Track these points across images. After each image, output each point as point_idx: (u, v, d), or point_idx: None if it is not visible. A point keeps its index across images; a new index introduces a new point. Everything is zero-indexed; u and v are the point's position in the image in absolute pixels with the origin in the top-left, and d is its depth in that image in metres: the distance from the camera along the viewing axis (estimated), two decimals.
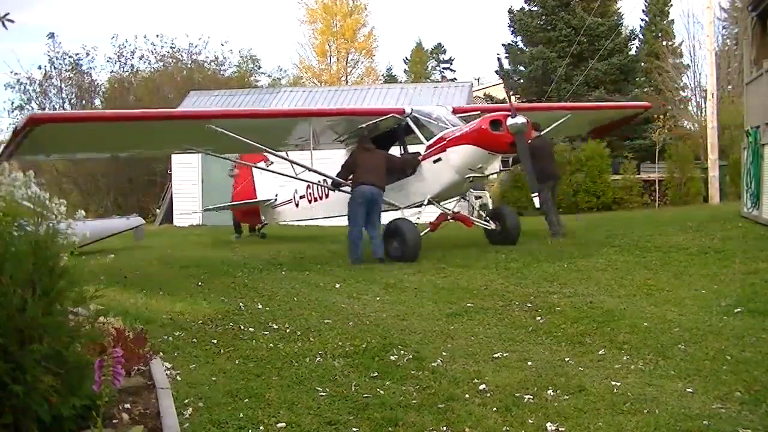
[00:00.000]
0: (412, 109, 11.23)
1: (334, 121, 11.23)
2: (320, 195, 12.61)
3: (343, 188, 11.00)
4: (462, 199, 11.74)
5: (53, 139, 9.46)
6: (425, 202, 10.75)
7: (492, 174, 10.75)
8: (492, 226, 11.19)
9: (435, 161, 10.53)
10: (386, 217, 10.66)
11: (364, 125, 11.14)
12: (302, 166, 10.94)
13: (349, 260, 10.13)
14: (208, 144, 10.53)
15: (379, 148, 10.87)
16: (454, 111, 11.70)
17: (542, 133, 11.98)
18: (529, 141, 10.81)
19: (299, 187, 13.05)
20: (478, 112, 11.59)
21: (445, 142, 10.42)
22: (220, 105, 21.85)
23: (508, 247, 10.93)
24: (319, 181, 11.93)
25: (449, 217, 11.03)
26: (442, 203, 11.10)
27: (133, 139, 10.23)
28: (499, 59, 29.62)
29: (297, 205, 13.65)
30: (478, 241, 12.07)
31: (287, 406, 4.02)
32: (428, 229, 11.01)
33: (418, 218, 10.61)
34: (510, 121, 9.83)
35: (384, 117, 11.00)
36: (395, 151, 11.53)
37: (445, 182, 10.56)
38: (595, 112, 14.88)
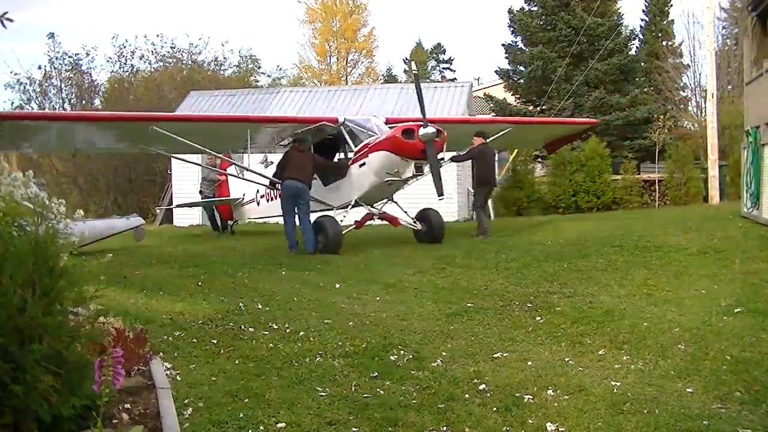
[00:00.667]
0: (345, 119, 12.31)
1: (270, 126, 12.35)
2: (276, 194, 13.43)
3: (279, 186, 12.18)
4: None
5: (19, 134, 11.17)
6: (352, 203, 11.84)
7: (409, 178, 11.42)
8: (418, 226, 12.21)
9: (360, 165, 11.61)
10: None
11: (300, 131, 12.11)
12: (240, 166, 12.47)
13: (288, 250, 11.37)
14: (158, 144, 11.83)
15: (324, 152, 12.31)
16: (387, 121, 12.41)
17: (488, 141, 13.11)
18: (477, 148, 12.79)
19: (261, 187, 13.99)
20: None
21: (367, 148, 11.48)
22: (221, 105, 21.84)
23: (508, 247, 10.94)
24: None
25: (375, 217, 12.14)
26: (375, 204, 12.27)
27: (93, 138, 12.23)
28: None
29: (258, 204, 14.84)
30: (478, 241, 12.08)
31: (287, 406, 4.02)
32: (353, 226, 11.96)
33: (344, 216, 11.73)
34: (422, 130, 10.77)
35: (316, 125, 12.10)
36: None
37: (368, 184, 11.59)
38: (548, 127, 16.25)
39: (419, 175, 11.41)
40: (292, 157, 11.76)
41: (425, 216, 12.30)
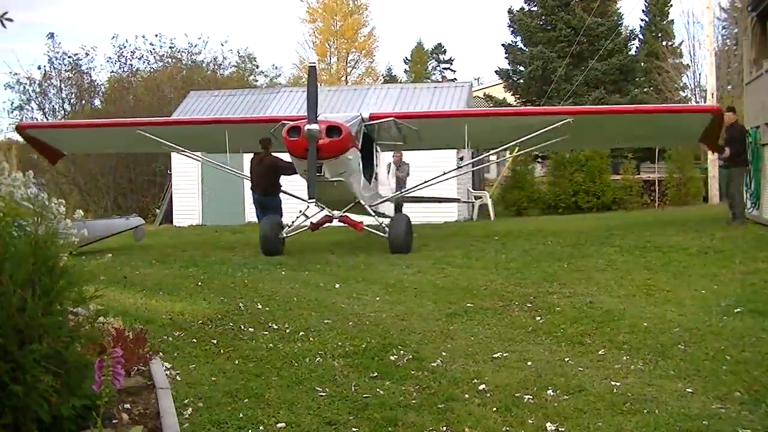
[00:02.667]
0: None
1: (243, 127, 12.36)
2: None
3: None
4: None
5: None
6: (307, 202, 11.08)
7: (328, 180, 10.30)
8: (385, 234, 11.08)
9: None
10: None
11: (272, 131, 11.77)
12: (217, 165, 12.91)
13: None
14: (140, 146, 12.98)
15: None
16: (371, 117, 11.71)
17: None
18: (736, 126, 12.08)
19: None
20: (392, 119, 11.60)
21: None
22: (220, 105, 21.81)
23: (508, 247, 10.94)
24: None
25: (334, 219, 11.38)
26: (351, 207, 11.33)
27: (96, 142, 14.09)
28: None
29: None
30: (479, 241, 12.08)
31: (287, 406, 4.02)
32: (307, 227, 11.45)
33: (297, 217, 11.40)
34: (306, 126, 9.90)
35: (278, 125, 11.38)
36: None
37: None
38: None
39: (319, 175, 10.15)
40: (252, 165, 11.99)
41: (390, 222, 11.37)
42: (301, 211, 11.30)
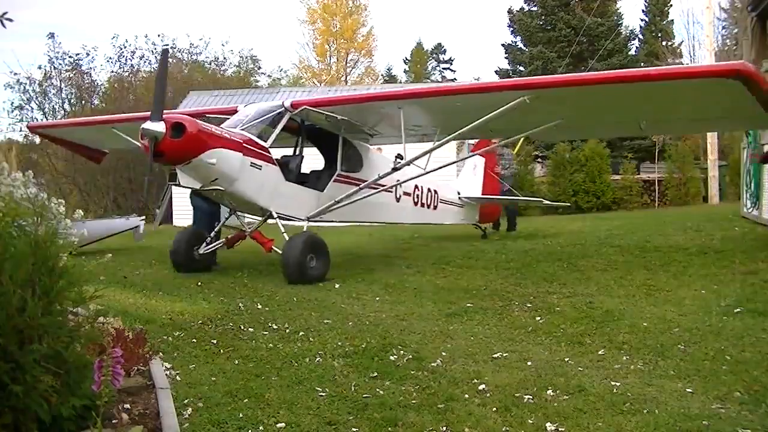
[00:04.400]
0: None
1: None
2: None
3: None
4: None
5: None
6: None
7: (207, 189, 8.56)
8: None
9: None
10: None
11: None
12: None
13: None
14: (117, 144, 11.86)
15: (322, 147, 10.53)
16: (294, 105, 9.74)
17: None
18: None
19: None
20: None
21: None
22: (220, 105, 21.80)
23: (508, 247, 10.95)
24: None
25: (247, 235, 9.42)
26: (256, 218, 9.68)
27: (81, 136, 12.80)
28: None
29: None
30: (477, 241, 12.09)
31: (287, 406, 4.02)
32: (222, 242, 9.68)
33: (215, 231, 9.76)
34: (143, 125, 7.87)
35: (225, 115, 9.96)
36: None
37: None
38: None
39: (174, 185, 8.54)
40: None
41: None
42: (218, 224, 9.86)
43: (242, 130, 8.79)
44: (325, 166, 10.30)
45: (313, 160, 10.88)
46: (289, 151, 10.05)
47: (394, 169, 9.32)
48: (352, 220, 10.72)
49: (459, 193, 12.82)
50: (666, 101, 8.09)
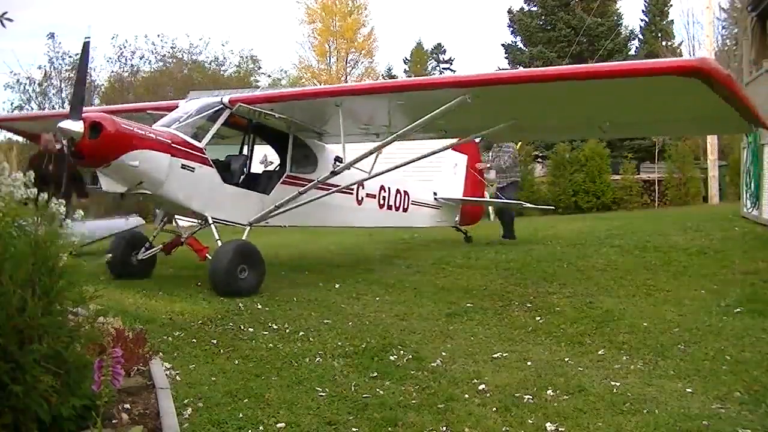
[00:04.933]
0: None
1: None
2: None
3: None
4: None
5: None
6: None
7: (128, 191, 7.91)
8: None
9: None
10: None
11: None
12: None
13: None
14: None
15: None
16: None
17: None
18: None
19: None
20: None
21: None
22: None
23: (508, 247, 10.95)
24: None
25: (183, 242, 8.70)
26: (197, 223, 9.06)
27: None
28: None
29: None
30: (477, 242, 12.09)
31: (287, 406, 4.02)
32: (159, 248, 8.95)
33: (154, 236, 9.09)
34: (60, 124, 7.31)
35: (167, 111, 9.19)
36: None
37: None
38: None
39: (96, 189, 8.13)
40: None
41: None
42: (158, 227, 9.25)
43: (178, 128, 8.10)
44: (278, 166, 9.57)
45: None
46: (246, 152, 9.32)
47: (332, 173, 8.43)
48: (307, 225, 9.88)
49: (435, 194, 12.01)
50: (624, 101, 7.32)
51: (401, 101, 8.04)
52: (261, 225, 8.87)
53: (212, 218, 8.23)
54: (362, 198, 10.18)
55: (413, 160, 8.54)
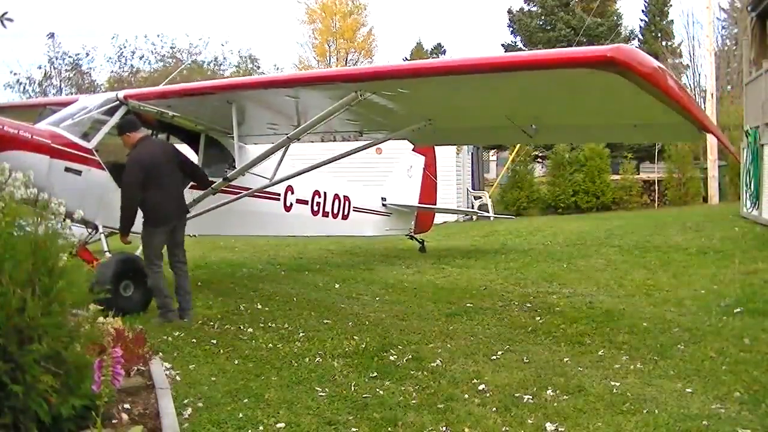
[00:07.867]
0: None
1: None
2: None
3: None
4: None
5: None
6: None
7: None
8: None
9: None
10: None
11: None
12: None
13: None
14: None
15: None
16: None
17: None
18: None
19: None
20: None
21: None
22: None
23: (508, 247, 10.95)
24: None
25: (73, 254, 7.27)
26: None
27: None
28: None
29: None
30: (477, 242, 12.08)
31: (286, 406, 4.02)
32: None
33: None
34: None
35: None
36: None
37: None
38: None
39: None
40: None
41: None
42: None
43: (68, 126, 7.22)
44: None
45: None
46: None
47: (225, 180, 7.58)
48: (221, 234, 8.90)
49: (384, 200, 10.91)
50: (542, 98, 6.35)
51: (293, 96, 7.14)
52: None
53: (103, 226, 7.16)
54: (291, 204, 9.09)
55: (324, 163, 7.73)
